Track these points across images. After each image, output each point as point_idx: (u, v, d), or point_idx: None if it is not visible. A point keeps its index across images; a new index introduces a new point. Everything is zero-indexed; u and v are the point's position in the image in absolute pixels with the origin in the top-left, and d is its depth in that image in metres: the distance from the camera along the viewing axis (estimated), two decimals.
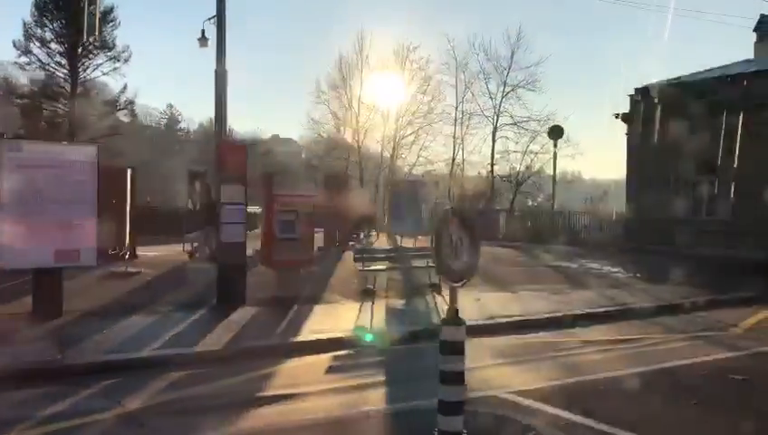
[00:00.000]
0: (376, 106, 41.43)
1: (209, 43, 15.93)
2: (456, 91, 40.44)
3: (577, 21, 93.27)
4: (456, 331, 4.62)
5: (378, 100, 41.45)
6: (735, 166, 19.81)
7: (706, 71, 22.30)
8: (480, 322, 10.04)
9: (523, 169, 40.52)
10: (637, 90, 23.06)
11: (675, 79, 21.58)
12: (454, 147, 41.03)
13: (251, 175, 10.92)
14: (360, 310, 10.62)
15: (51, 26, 36.18)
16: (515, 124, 39.62)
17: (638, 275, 16.61)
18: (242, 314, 9.89)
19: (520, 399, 6.18)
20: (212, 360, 7.59)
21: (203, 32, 15.70)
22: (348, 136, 42.10)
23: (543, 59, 44.71)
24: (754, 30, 22.89)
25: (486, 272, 16.31)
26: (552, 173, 27.45)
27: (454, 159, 41.18)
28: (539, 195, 45.51)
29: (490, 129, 40.67)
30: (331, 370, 7.43)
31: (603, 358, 8.12)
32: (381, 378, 7.21)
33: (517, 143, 39.50)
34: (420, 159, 42.84)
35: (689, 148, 20.35)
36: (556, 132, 21.86)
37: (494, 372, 7.30)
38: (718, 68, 22.51)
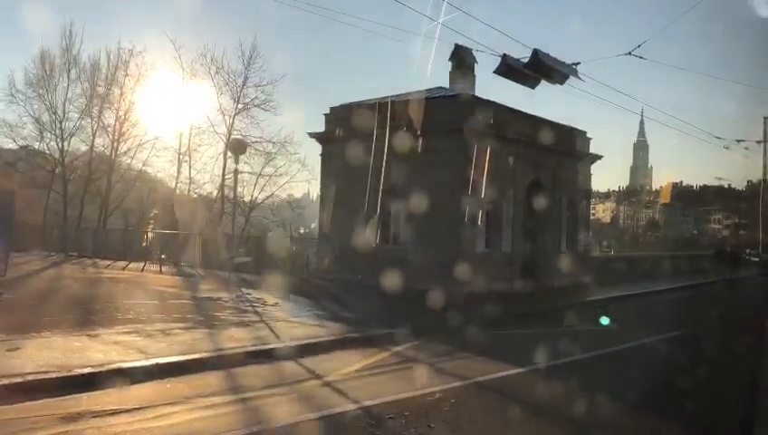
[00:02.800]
0: (89, 112, 36.42)
1: None
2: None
3: (316, 41, 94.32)
4: None
5: (91, 105, 36.42)
6: (414, 193, 19.12)
7: (400, 95, 21.62)
8: None
9: (257, 192, 38.46)
10: (332, 108, 21.77)
11: (366, 100, 20.61)
12: (179, 163, 37.28)
13: None
14: None
15: None
16: (248, 145, 37.10)
17: (294, 308, 14.76)
18: None
19: None
20: None
21: None
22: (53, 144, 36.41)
23: (279, 78, 43.14)
24: (450, 59, 22.94)
25: (99, 304, 13.32)
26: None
27: (177, 177, 37.42)
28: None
29: (222, 147, 37.72)
30: None
31: None
32: None
33: (247, 163, 36.89)
34: (142, 173, 38.67)
35: (373, 173, 19.31)
36: (237, 148, 19.73)
37: None
38: (410, 93, 21.95)
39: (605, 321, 10.95)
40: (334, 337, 11.67)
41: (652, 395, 8.03)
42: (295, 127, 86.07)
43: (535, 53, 13.18)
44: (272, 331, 11.97)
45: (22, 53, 72.46)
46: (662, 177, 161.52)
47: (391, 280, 17.98)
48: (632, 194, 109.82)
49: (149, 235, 30.33)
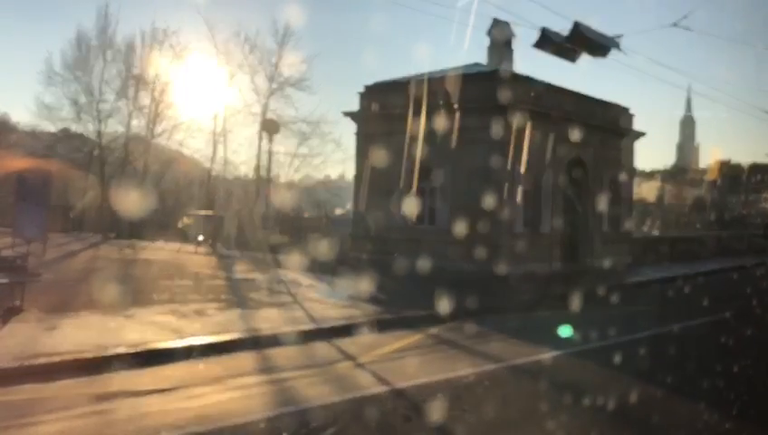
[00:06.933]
0: (125, 94, 36.78)
1: None
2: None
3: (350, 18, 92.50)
4: None
5: (127, 87, 36.75)
6: (451, 172, 18.80)
7: (436, 71, 21.19)
8: None
9: (293, 173, 38.65)
10: (367, 87, 21.50)
11: (401, 78, 20.26)
12: (214, 144, 37.39)
13: None
14: None
15: None
16: (283, 125, 37.05)
17: (331, 289, 14.70)
18: None
19: None
20: None
21: None
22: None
23: (313, 56, 42.84)
24: (487, 34, 22.41)
25: (136, 285, 13.43)
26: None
27: (213, 158, 37.59)
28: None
29: (256, 128, 37.70)
30: None
31: None
32: None
33: (281, 144, 36.89)
34: (178, 154, 39.04)
35: (408, 151, 19.01)
36: (271, 127, 19.69)
37: None
38: (446, 70, 21.50)
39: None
40: (368, 318, 11.51)
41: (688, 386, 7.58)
42: (330, 106, 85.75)
43: (576, 25, 12.67)
44: (305, 312, 11.91)
45: (59, 36, 73.30)
46: (709, 154, 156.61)
47: (426, 260, 17.78)
48: (678, 172, 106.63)
49: (186, 216, 30.65)
